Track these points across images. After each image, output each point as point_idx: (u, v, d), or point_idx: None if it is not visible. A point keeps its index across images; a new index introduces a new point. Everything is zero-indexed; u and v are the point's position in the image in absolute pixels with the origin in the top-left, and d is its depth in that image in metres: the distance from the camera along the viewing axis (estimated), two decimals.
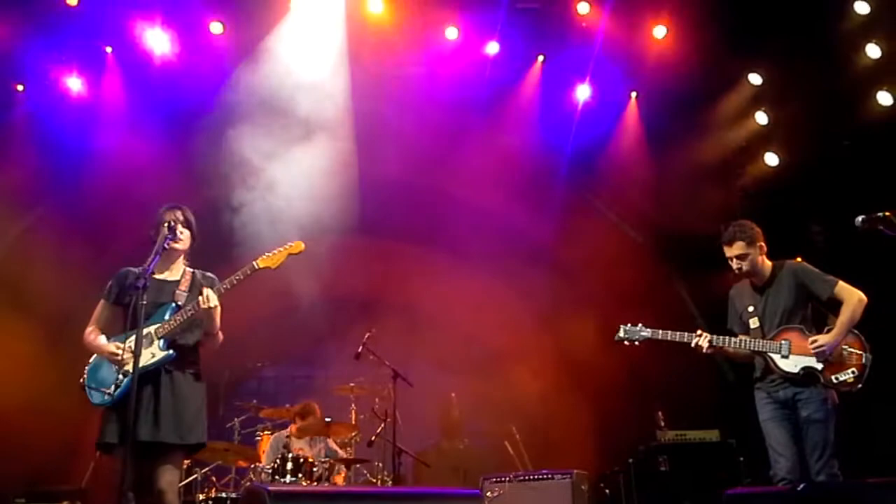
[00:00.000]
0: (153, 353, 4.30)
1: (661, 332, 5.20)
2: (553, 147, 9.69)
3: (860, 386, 4.85)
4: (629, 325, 5.29)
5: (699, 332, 5.11)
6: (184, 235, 4.53)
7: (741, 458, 7.08)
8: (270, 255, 4.48)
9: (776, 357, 4.99)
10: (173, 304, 4.44)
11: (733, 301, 5.38)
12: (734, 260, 5.16)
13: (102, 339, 4.44)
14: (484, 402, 9.22)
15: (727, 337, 5.13)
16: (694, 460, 7.10)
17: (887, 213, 4.50)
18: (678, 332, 5.16)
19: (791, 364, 4.95)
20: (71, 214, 8.54)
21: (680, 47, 8.82)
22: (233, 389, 8.30)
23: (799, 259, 5.57)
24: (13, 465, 7.40)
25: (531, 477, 6.98)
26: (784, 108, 9.07)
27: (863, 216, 4.56)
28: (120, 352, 4.28)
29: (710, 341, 5.04)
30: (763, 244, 5.20)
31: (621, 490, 7.83)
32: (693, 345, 5.08)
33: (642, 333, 5.24)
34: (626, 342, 5.28)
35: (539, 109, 9.49)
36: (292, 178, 8.59)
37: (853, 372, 4.86)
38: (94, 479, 7.16)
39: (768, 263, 5.22)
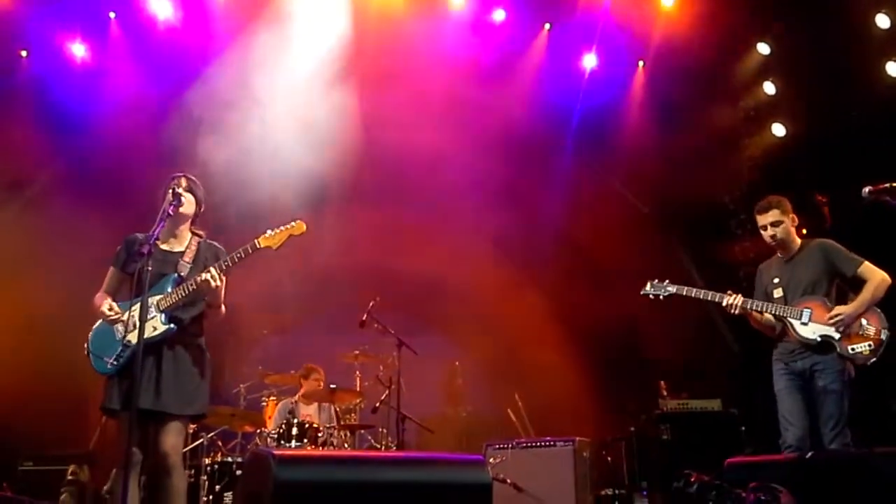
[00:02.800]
0: (154, 327, 4.32)
1: (686, 288, 5.30)
2: (559, 115, 9.63)
3: (874, 360, 4.91)
4: (656, 280, 5.38)
5: (730, 292, 5.15)
6: (187, 201, 4.52)
7: (743, 428, 7.13)
8: (272, 234, 4.47)
9: (796, 323, 5.05)
10: (175, 276, 4.45)
11: (761, 275, 5.45)
12: (768, 227, 5.23)
13: (107, 305, 4.46)
14: (487, 369, 9.29)
15: (754, 300, 5.18)
16: (696, 429, 7.15)
17: (894, 184, 4.49)
18: (707, 291, 5.23)
19: (810, 331, 5.02)
20: (77, 178, 8.54)
21: (688, 16, 8.73)
22: (238, 356, 8.34)
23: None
24: (21, 428, 7.47)
25: (534, 444, 7.05)
26: (792, 78, 9.00)
27: (869, 187, 4.57)
28: (112, 312, 4.32)
29: (742, 301, 5.09)
30: (795, 217, 5.27)
31: (623, 457, 7.92)
32: (724, 304, 5.12)
33: (668, 289, 5.34)
34: (651, 297, 5.38)
35: (545, 78, 9.41)
36: (296, 145, 8.56)
37: (869, 345, 4.92)
38: (102, 442, 7.24)
39: (798, 239, 5.30)
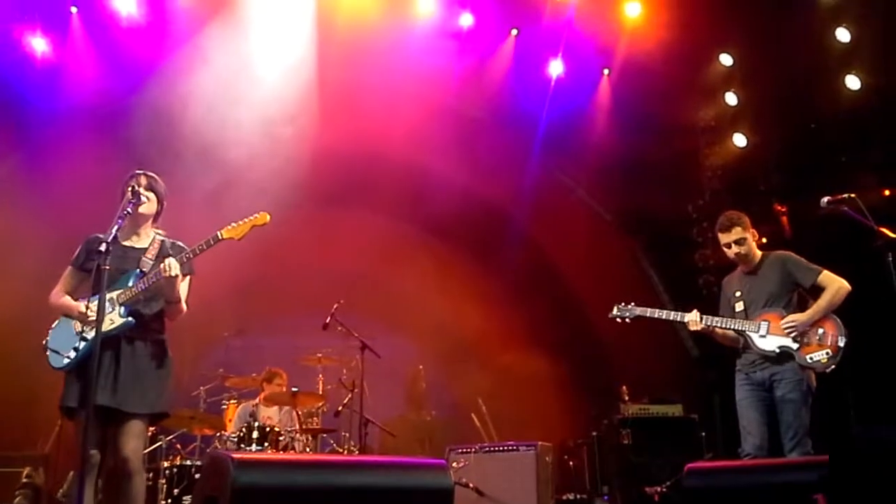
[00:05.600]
0: (112, 320, 4.22)
1: (649, 310, 5.42)
2: (526, 122, 9.68)
3: (833, 367, 4.99)
4: (623, 303, 5.49)
5: (693, 311, 5.26)
6: (148, 200, 4.45)
7: (703, 433, 7.22)
8: (235, 225, 4.43)
9: (754, 336, 5.15)
10: (137, 271, 4.38)
11: (724, 288, 5.57)
12: (733, 245, 5.34)
13: (69, 299, 4.39)
14: (451, 374, 9.29)
15: (715, 317, 5.29)
16: (656, 434, 7.23)
17: (852, 195, 4.60)
18: (669, 311, 5.39)
19: (768, 343, 5.12)
20: (36, 174, 8.36)
21: (652, 26, 8.83)
22: (199, 358, 8.23)
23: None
24: None
25: (496, 448, 7.06)
26: (754, 90, 9.15)
27: (828, 197, 4.68)
28: (88, 311, 4.23)
29: (700, 319, 5.20)
30: (754, 231, 5.38)
31: (584, 462, 7.98)
32: (686, 321, 5.24)
33: (635, 311, 5.44)
34: (618, 319, 5.49)
35: (512, 84, 9.46)
36: (260, 147, 8.50)
37: (827, 353, 5.00)
38: (58, 444, 7.11)
39: (758, 252, 5.40)
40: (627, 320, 5.47)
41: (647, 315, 5.40)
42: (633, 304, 5.48)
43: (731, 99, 9.33)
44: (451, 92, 9.14)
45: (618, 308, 5.50)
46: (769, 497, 3.60)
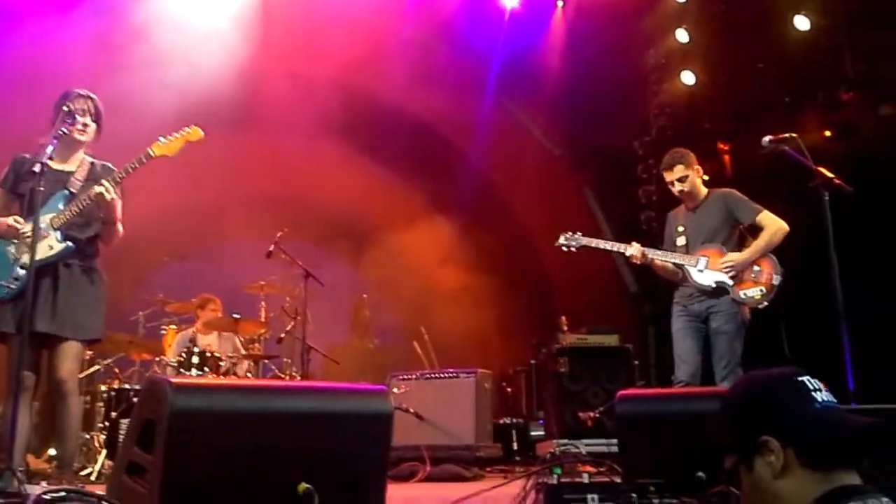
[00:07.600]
0: (51, 246, 4.15)
1: (595, 240, 5.53)
2: (479, 54, 9.55)
3: (766, 304, 5.14)
4: (570, 232, 5.57)
5: (633, 243, 5.37)
6: (85, 126, 4.33)
7: (636, 363, 7.42)
8: (167, 141, 4.30)
9: (692, 270, 5.27)
10: (66, 192, 4.27)
11: (669, 222, 5.66)
12: (676, 183, 5.41)
13: None
14: (395, 302, 9.34)
15: (655, 249, 5.41)
16: (592, 363, 7.39)
17: (794, 135, 4.67)
18: (613, 243, 5.53)
19: (705, 278, 5.25)
20: None
21: None
22: (138, 282, 8.10)
23: None
24: None
25: (437, 375, 7.15)
26: (704, 27, 9.13)
27: (769, 137, 4.75)
28: (19, 225, 4.15)
29: (642, 252, 5.30)
30: (699, 168, 5.45)
31: (522, 388, 8.18)
32: (628, 254, 5.35)
33: (581, 241, 5.53)
34: (564, 248, 5.57)
35: (466, 14, 9.29)
36: (204, 70, 8.25)
37: (761, 290, 5.15)
38: None
39: (703, 189, 5.48)
40: (573, 249, 5.55)
41: (593, 245, 5.50)
42: (579, 233, 5.56)
43: (682, 36, 9.30)
44: (404, 21, 8.95)
45: (564, 237, 5.57)
46: (697, 423, 3.73)
